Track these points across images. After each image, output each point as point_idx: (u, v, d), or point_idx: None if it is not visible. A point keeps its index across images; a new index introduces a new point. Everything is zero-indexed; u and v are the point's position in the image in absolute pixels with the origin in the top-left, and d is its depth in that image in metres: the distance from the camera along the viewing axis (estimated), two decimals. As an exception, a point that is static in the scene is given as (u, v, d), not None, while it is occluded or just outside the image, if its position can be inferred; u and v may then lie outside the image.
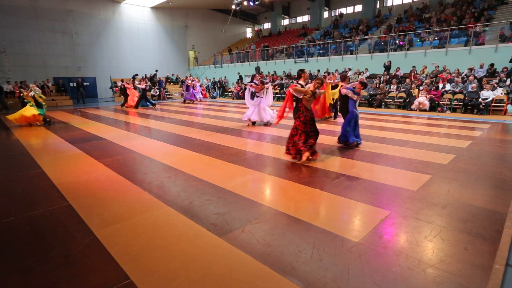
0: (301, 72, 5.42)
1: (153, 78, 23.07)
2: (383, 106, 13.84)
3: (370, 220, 3.04)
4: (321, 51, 19.96)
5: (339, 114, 9.69)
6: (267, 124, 9.28)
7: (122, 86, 16.09)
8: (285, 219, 3.09)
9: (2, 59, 18.00)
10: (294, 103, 5.34)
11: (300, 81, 5.37)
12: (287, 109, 5.61)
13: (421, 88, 12.64)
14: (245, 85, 18.77)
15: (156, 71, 23.22)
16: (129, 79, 17.76)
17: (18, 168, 5.12)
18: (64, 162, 5.43)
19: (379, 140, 6.87)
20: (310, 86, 5.20)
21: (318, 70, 18.40)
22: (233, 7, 19.43)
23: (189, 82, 19.29)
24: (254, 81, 9.28)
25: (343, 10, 26.17)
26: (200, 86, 23.91)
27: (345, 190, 3.84)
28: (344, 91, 6.24)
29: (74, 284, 2.16)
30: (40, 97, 10.00)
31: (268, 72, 21.63)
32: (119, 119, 11.52)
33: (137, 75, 23.05)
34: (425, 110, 11.98)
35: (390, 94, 13.83)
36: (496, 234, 2.73)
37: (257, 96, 9.12)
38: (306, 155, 4.98)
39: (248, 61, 24.27)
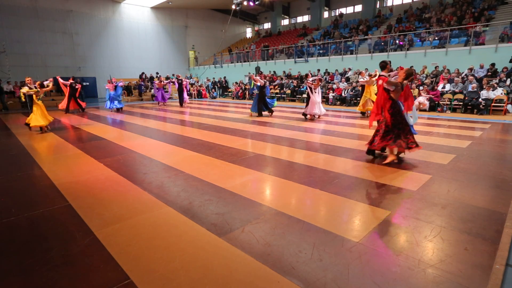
0: (384, 64, 5.15)
1: (152, 79, 23.16)
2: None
3: (370, 220, 3.04)
4: (321, 51, 19.97)
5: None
6: (313, 118, 10.49)
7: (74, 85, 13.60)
8: (285, 219, 3.09)
9: (2, 59, 18.01)
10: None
11: (383, 73, 5.07)
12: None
13: (421, 88, 12.64)
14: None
15: (157, 73, 23.37)
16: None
17: (18, 168, 5.12)
18: (64, 162, 5.43)
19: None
20: (397, 78, 4.95)
21: (318, 70, 18.41)
22: (233, 7, 19.44)
23: (157, 82, 17.24)
24: (310, 79, 10.47)
25: (343, 10, 26.18)
26: (200, 86, 23.95)
27: (345, 190, 3.84)
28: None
29: (74, 284, 2.16)
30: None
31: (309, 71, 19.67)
32: (119, 119, 11.52)
33: (143, 73, 23.13)
34: (425, 110, 11.98)
35: (390, 94, 13.81)
36: (496, 234, 2.73)
37: (315, 92, 10.16)
38: (394, 150, 4.95)
39: (248, 61, 24.27)
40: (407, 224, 2.96)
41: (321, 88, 10.68)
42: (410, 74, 4.79)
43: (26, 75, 18.50)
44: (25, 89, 8.20)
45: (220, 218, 3.12)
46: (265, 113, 11.64)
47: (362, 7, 23.56)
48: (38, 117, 8.34)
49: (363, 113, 11.16)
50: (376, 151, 5.38)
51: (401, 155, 5.27)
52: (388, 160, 4.98)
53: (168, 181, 4.31)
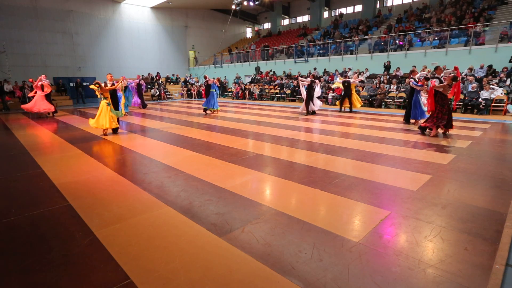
0: (433, 76, 7.38)
1: (153, 79, 23.20)
2: (383, 106, 13.84)
3: (370, 220, 3.04)
4: (321, 51, 19.96)
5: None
6: (314, 113, 11.79)
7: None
8: (285, 219, 3.09)
9: (2, 59, 18.01)
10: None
11: (437, 75, 7.27)
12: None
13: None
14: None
15: (149, 74, 23.44)
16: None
17: (18, 168, 5.12)
18: (64, 162, 5.43)
19: (379, 140, 6.87)
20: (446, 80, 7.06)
21: (315, 69, 18.43)
22: (233, 7, 19.42)
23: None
24: (302, 78, 12.41)
25: (343, 10, 26.17)
26: (201, 86, 23.94)
27: (345, 190, 3.84)
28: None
29: (74, 284, 2.16)
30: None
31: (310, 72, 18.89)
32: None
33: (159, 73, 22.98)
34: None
35: (390, 94, 13.83)
36: (496, 234, 2.73)
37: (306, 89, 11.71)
38: (437, 131, 7.14)
39: (248, 61, 24.27)
40: (407, 224, 2.96)
41: (321, 88, 11.83)
42: (454, 79, 6.98)
43: (26, 75, 18.73)
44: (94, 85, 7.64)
45: (220, 218, 3.12)
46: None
47: (362, 7, 23.55)
48: (98, 118, 7.66)
49: (341, 110, 12.77)
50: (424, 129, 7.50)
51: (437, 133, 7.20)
52: (433, 134, 7.15)
53: (168, 181, 4.31)
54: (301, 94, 12.63)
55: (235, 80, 23.06)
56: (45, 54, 20.33)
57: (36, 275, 2.26)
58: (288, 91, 18.23)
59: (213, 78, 16.22)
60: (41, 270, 2.32)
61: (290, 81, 18.88)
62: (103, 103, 7.65)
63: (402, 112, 12.10)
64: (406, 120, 9.20)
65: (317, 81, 12.14)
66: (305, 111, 11.77)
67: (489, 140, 6.76)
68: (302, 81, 12.16)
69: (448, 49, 14.23)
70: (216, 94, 12.81)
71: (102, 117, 7.68)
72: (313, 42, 21.07)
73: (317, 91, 12.06)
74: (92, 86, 7.65)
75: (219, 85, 14.26)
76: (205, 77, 12.99)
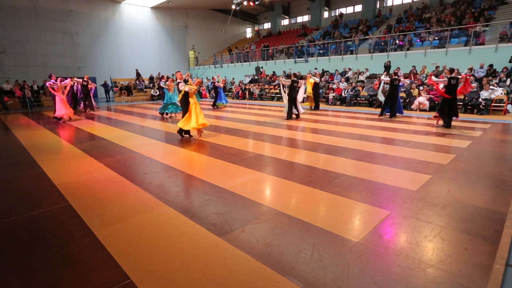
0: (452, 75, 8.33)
1: (152, 79, 23.19)
2: (383, 106, 13.82)
3: (370, 220, 3.04)
4: (321, 51, 19.96)
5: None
6: (298, 115, 10.84)
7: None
8: (285, 219, 3.09)
9: (2, 59, 18.00)
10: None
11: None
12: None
13: (421, 88, 12.64)
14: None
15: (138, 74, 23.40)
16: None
17: (18, 168, 5.12)
18: (64, 162, 5.43)
19: (379, 140, 6.87)
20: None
21: (316, 68, 18.43)
22: (233, 7, 19.42)
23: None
24: (283, 78, 12.24)
25: (343, 10, 26.17)
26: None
27: (345, 190, 3.84)
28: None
29: (74, 284, 2.16)
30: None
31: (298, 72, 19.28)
32: (119, 119, 11.52)
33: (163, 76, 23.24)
34: (425, 110, 11.98)
35: (390, 94, 13.81)
36: (496, 234, 2.73)
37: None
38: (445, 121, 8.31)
39: (248, 61, 24.27)
40: (407, 224, 2.96)
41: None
42: (435, 75, 7.96)
43: (26, 75, 18.75)
44: (187, 87, 6.98)
45: (220, 218, 3.12)
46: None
47: (362, 7, 23.56)
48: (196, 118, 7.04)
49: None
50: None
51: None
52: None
53: (168, 181, 4.31)
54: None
55: (231, 83, 23.12)
56: (45, 54, 20.33)
57: (36, 275, 2.26)
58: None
59: (224, 78, 17.90)
60: (41, 270, 2.32)
61: (277, 80, 18.78)
62: (193, 102, 7.07)
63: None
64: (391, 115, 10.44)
65: (300, 81, 11.08)
66: (286, 116, 10.64)
67: (489, 140, 6.76)
68: (283, 82, 11.08)
69: (448, 49, 14.23)
70: (222, 92, 15.66)
71: (198, 116, 7.11)
72: (313, 42, 21.07)
73: (300, 93, 11.08)
74: (192, 87, 7.03)
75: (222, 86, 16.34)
76: (213, 78, 15.69)
